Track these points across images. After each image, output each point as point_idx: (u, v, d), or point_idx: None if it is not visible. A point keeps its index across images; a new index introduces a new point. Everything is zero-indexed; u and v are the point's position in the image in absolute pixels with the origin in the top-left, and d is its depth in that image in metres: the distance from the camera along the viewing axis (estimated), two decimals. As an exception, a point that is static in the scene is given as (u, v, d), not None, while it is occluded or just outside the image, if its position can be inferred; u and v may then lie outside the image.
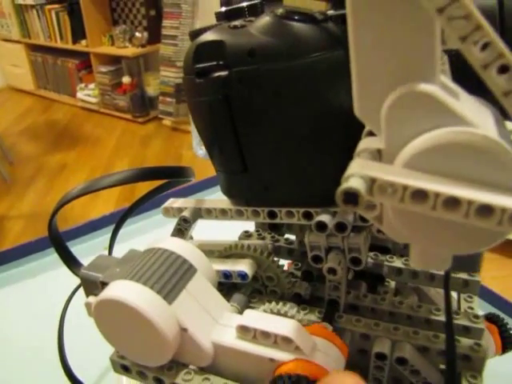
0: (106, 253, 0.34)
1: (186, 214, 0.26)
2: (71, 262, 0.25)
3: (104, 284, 0.22)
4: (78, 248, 0.55)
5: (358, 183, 0.13)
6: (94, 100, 2.50)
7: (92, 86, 2.51)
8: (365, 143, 0.17)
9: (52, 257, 0.53)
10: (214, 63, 0.21)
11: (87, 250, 0.54)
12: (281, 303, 0.22)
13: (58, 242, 0.25)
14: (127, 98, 2.36)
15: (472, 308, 0.25)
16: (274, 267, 0.25)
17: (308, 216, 0.23)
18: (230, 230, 0.32)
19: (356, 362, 0.24)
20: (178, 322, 0.20)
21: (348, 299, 0.25)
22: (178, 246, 0.22)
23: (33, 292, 0.49)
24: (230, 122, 0.22)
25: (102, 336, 0.21)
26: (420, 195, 0.13)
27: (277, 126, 0.21)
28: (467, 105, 0.15)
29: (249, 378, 0.20)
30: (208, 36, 0.22)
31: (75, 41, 2.48)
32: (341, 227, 0.21)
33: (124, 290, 0.19)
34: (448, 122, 0.14)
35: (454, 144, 0.14)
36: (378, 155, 0.16)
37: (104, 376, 0.36)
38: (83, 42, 2.43)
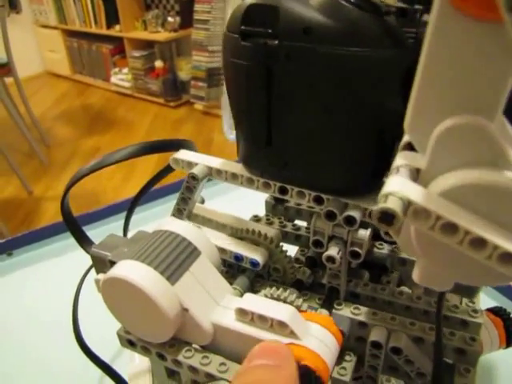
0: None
1: (195, 170, 0.26)
2: (83, 240, 0.27)
3: (112, 263, 0.23)
4: (102, 229, 0.57)
5: (396, 204, 0.14)
6: (127, 84, 2.55)
7: (125, 70, 2.55)
8: (405, 158, 0.17)
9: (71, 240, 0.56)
10: (263, 30, 0.20)
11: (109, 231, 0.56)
12: (282, 289, 0.22)
13: (70, 220, 0.26)
14: (159, 82, 2.40)
15: (473, 302, 0.25)
16: (282, 259, 0.25)
17: (318, 200, 0.23)
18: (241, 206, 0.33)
19: (354, 348, 0.24)
20: (180, 302, 0.21)
21: (349, 287, 0.25)
22: (183, 228, 0.23)
23: (59, 269, 0.52)
24: (266, 93, 0.21)
25: (110, 311, 0.22)
26: (450, 228, 0.14)
27: (313, 108, 0.21)
28: None
29: (245, 355, 0.21)
30: None
31: (109, 26, 2.52)
32: (350, 221, 0.22)
33: (130, 270, 0.21)
34: (496, 163, 0.14)
35: (496, 187, 0.14)
36: (416, 173, 0.16)
37: (121, 350, 0.38)
38: (117, 27, 2.48)
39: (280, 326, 0.20)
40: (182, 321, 0.21)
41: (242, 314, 0.21)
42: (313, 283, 0.26)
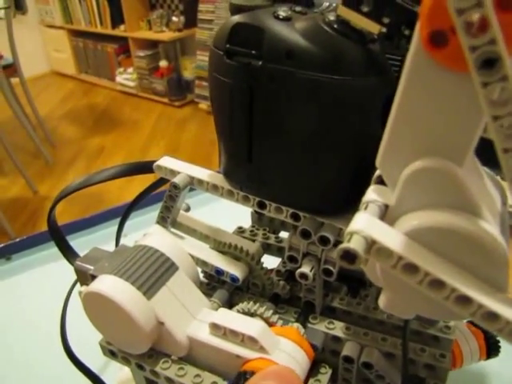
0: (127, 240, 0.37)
1: (177, 180, 0.26)
2: (68, 252, 0.27)
3: (93, 277, 0.24)
4: (99, 234, 0.58)
5: (359, 244, 0.14)
6: (132, 84, 2.57)
7: (130, 70, 2.57)
8: (374, 193, 0.17)
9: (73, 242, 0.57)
10: (248, 50, 0.21)
11: (107, 236, 0.57)
12: (258, 304, 0.23)
13: (56, 233, 0.27)
14: (164, 81, 2.41)
15: (449, 316, 0.26)
16: (262, 276, 0.26)
17: (295, 217, 0.24)
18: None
19: (329, 361, 0.25)
20: (156, 316, 0.22)
21: (326, 301, 0.26)
22: (162, 243, 0.24)
23: (57, 274, 0.53)
24: (248, 112, 0.22)
25: (91, 323, 0.23)
26: (412, 268, 0.14)
27: (291, 129, 0.21)
28: (482, 188, 0.16)
29: (219, 370, 0.22)
30: (249, 18, 0.21)
31: (114, 26, 2.54)
32: (324, 240, 0.22)
33: (108, 285, 0.21)
34: (462, 207, 0.15)
35: (459, 232, 0.14)
36: (384, 209, 0.17)
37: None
38: (122, 26, 2.49)
39: (250, 341, 0.21)
40: (158, 333, 0.22)
41: (215, 328, 0.22)
42: (291, 297, 0.27)
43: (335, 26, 0.20)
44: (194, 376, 0.22)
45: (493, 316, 0.13)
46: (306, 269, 0.23)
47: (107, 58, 2.67)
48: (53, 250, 0.56)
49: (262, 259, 0.28)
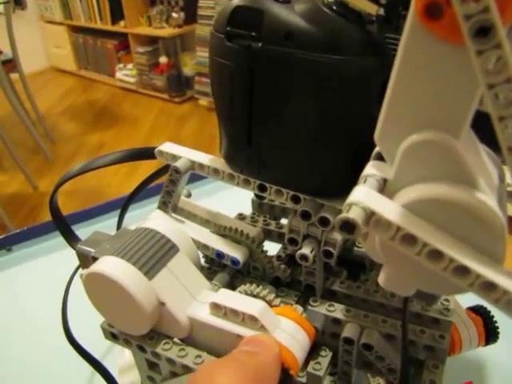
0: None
1: (178, 164, 0.26)
2: (70, 237, 0.28)
3: (95, 259, 0.24)
4: (99, 226, 0.58)
5: (357, 214, 0.14)
6: (132, 80, 2.56)
7: (130, 66, 2.57)
8: (373, 168, 0.17)
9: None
10: (247, 32, 0.21)
11: (107, 228, 0.57)
12: (259, 286, 0.23)
13: (58, 218, 0.27)
14: (164, 77, 2.40)
15: (448, 301, 0.26)
16: (262, 259, 0.26)
17: (296, 199, 0.24)
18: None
19: (330, 344, 0.25)
20: (157, 296, 0.22)
21: (326, 285, 0.26)
22: (164, 226, 0.24)
23: (58, 264, 0.53)
24: (248, 94, 0.22)
25: (93, 306, 0.23)
26: (410, 239, 0.14)
27: (291, 111, 0.22)
28: (479, 162, 0.16)
29: (221, 350, 0.22)
30: (249, 1, 0.21)
31: (114, 22, 2.53)
32: (324, 221, 0.22)
33: (109, 265, 0.21)
34: (460, 179, 0.15)
35: (458, 203, 0.14)
36: (383, 183, 0.17)
37: (111, 346, 0.39)
38: (122, 22, 2.49)
39: (251, 320, 0.21)
40: (159, 314, 0.22)
41: (215, 308, 0.22)
42: (291, 280, 0.27)
43: (334, 7, 0.20)
44: (194, 357, 0.22)
45: (490, 286, 0.14)
46: (306, 250, 0.23)
47: (107, 54, 2.67)
48: (53, 241, 0.57)
49: (264, 245, 0.28)
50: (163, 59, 2.41)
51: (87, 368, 0.31)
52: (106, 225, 0.58)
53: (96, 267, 0.22)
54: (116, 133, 2.16)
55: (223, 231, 0.27)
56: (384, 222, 0.14)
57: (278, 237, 0.31)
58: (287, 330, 0.21)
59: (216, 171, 0.26)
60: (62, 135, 2.17)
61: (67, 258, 0.50)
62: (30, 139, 1.92)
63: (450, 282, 0.14)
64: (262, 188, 0.25)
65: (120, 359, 0.35)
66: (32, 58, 2.73)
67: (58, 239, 0.57)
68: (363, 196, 0.15)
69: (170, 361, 0.22)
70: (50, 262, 0.54)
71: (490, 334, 0.32)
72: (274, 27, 0.20)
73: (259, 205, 0.33)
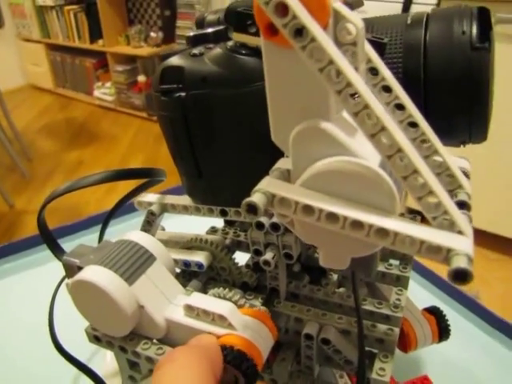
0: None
1: (153, 208, 0.31)
2: (57, 250, 0.30)
3: (80, 268, 0.26)
4: (80, 240, 0.60)
5: (258, 198, 0.18)
6: (110, 98, 2.58)
7: (108, 84, 2.58)
8: (279, 163, 0.21)
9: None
10: (175, 86, 0.25)
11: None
12: (227, 289, 0.26)
13: (45, 233, 0.30)
14: (142, 96, 2.43)
15: (399, 300, 0.29)
16: (226, 260, 0.29)
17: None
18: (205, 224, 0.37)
19: (293, 342, 0.28)
20: (137, 300, 0.24)
21: (289, 288, 0.29)
22: (141, 238, 0.27)
23: (38, 279, 0.54)
24: (187, 136, 0.26)
25: (78, 311, 0.26)
26: (308, 209, 0.18)
27: (222, 142, 0.26)
28: (358, 138, 0.19)
29: (194, 348, 0.25)
30: (172, 61, 0.26)
31: (92, 40, 2.56)
32: (275, 227, 0.26)
33: (93, 273, 0.24)
34: (339, 152, 0.18)
35: (340, 170, 0.18)
36: (287, 174, 0.20)
37: (93, 353, 0.41)
38: (100, 41, 2.51)
39: (220, 319, 0.23)
40: (139, 317, 0.25)
41: (189, 309, 0.24)
42: (258, 285, 0.30)
43: (235, 49, 0.25)
44: (171, 354, 0.25)
45: (383, 232, 0.16)
46: (268, 257, 0.26)
47: (85, 72, 2.68)
48: (31, 257, 0.58)
49: (236, 256, 0.31)
50: (141, 78, 2.44)
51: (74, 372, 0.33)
52: (89, 239, 0.60)
53: (81, 275, 0.24)
54: (94, 151, 2.17)
55: (189, 244, 0.31)
56: (284, 200, 0.18)
57: (246, 247, 0.34)
58: (252, 327, 0.24)
59: (185, 207, 0.30)
60: (39, 153, 2.16)
61: (47, 272, 0.52)
62: (6, 157, 1.91)
63: (357, 241, 0.17)
64: (223, 213, 0.29)
65: (102, 366, 0.37)
66: (9, 75, 2.73)
67: (38, 254, 0.59)
68: (265, 184, 0.18)
69: (149, 359, 0.25)
70: (30, 278, 0.55)
71: (443, 331, 0.35)
72: (192, 76, 0.25)
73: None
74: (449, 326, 0.36)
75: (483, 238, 1.43)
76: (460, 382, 0.41)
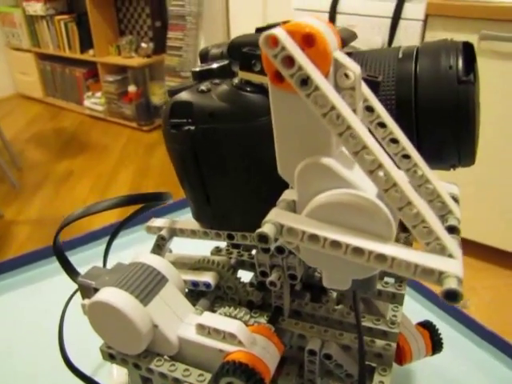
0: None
1: (163, 232, 0.32)
2: (71, 271, 0.31)
3: (96, 290, 0.28)
4: (80, 255, 0.61)
5: (269, 229, 0.20)
6: (100, 108, 2.58)
7: (99, 94, 2.58)
8: (285, 194, 0.23)
9: (54, 265, 0.60)
10: (184, 120, 0.27)
11: (89, 257, 0.60)
12: (234, 308, 0.28)
13: (61, 255, 0.31)
14: (133, 106, 2.44)
15: (396, 316, 0.31)
16: (232, 279, 0.31)
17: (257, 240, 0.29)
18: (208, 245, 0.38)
19: (296, 357, 0.30)
20: (151, 320, 0.26)
21: (293, 306, 0.31)
22: (153, 260, 0.28)
23: (38, 295, 0.55)
24: (196, 166, 0.28)
25: (94, 330, 0.27)
26: (314, 238, 0.19)
27: (230, 172, 0.28)
28: (356, 171, 0.21)
29: (206, 365, 0.26)
30: (181, 96, 0.28)
31: (83, 50, 2.56)
32: (280, 250, 0.27)
33: (111, 295, 0.25)
34: (340, 185, 0.20)
35: (341, 202, 0.19)
36: (293, 204, 0.22)
37: (99, 366, 0.42)
38: (91, 51, 2.52)
39: (230, 337, 0.25)
40: (153, 335, 0.26)
41: (201, 328, 0.26)
42: (263, 303, 0.31)
43: (241, 86, 0.27)
44: (183, 370, 0.26)
45: (381, 257, 0.18)
46: (274, 278, 0.28)
47: (75, 82, 2.68)
48: (35, 271, 0.59)
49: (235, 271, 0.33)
50: (132, 88, 2.45)
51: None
52: (89, 254, 0.61)
53: (99, 296, 0.25)
54: (84, 161, 2.16)
55: (196, 265, 0.33)
56: (292, 230, 0.20)
57: (250, 266, 0.35)
58: (260, 344, 0.26)
59: (193, 232, 0.32)
60: (28, 163, 2.15)
61: (55, 283, 0.53)
62: (-5, 167, 1.90)
63: (358, 266, 0.19)
64: (230, 237, 0.30)
65: (109, 382, 0.38)
66: (-3, 84, 2.71)
67: (47, 266, 0.60)
68: (273, 215, 0.20)
69: (162, 375, 0.26)
70: (38, 290, 0.56)
71: (436, 345, 0.37)
72: (200, 111, 0.27)
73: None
74: (441, 339, 0.38)
75: (472, 248, 1.47)
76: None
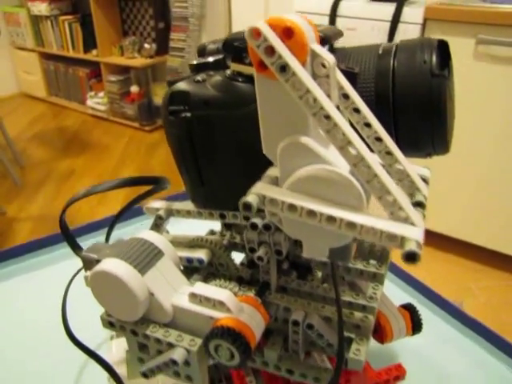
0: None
1: (161, 212, 0.35)
2: (75, 247, 0.34)
3: (98, 261, 0.30)
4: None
5: (252, 198, 0.22)
6: (103, 108, 2.61)
7: (101, 94, 2.62)
8: (269, 171, 0.25)
9: (58, 252, 0.63)
10: (181, 107, 0.30)
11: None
12: (225, 281, 0.30)
13: (66, 232, 0.34)
14: (135, 106, 2.47)
15: (375, 293, 0.33)
16: (224, 256, 0.33)
17: (247, 218, 0.31)
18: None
19: (282, 330, 0.32)
20: (148, 289, 0.28)
21: (279, 282, 0.33)
22: (151, 236, 0.31)
23: (42, 281, 0.58)
24: (191, 150, 0.31)
25: (95, 299, 0.30)
26: (292, 208, 0.22)
27: (222, 154, 0.30)
28: (334, 151, 0.23)
29: (197, 331, 0.29)
30: (179, 86, 0.31)
31: (86, 50, 2.60)
32: (267, 227, 0.30)
33: (111, 264, 0.28)
34: (317, 162, 0.22)
35: (317, 176, 0.22)
36: (276, 180, 0.24)
37: (99, 346, 0.45)
38: (94, 51, 2.55)
39: (220, 305, 0.28)
40: (149, 303, 0.29)
41: (193, 297, 0.28)
42: (252, 280, 0.34)
43: (233, 76, 0.29)
44: (177, 336, 0.29)
45: (351, 224, 0.21)
46: (261, 253, 0.30)
47: (78, 81, 2.72)
48: (37, 258, 0.62)
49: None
50: (134, 88, 2.48)
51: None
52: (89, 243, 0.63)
53: (101, 266, 0.28)
54: (86, 160, 2.19)
55: (191, 243, 0.35)
56: (273, 200, 0.22)
57: (242, 247, 0.38)
58: (247, 312, 0.28)
59: (188, 212, 0.34)
60: (31, 161, 2.18)
61: (59, 270, 0.56)
62: (-1, 164, 1.93)
63: (332, 233, 0.22)
64: (222, 216, 0.33)
65: (108, 356, 0.41)
66: (2, 83, 2.75)
67: (52, 253, 0.62)
68: (257, 187, 0.23)
69: (157, 340, 0.29)
70: (40, 276, 0.59)
71: (416, 325, 0.40)
72: (196, 100, 0.30)
73: (226, 223, 0.41)
74: (421, 320, 0.40)
75: (468, 250, 1.49)
76: (429, 369, 0.45)
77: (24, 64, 2.89)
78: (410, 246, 0.19)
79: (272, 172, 0.25)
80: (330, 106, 0.20)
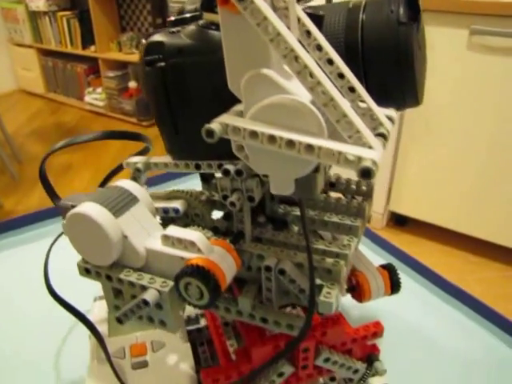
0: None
1: (139, 165, 0.36)
2: (54, 196, 0.35)
3: (74, 207, 0.31)
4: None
5: (215, 126, 0.23)
6: (101, 103, 2.62)
7: (99, 90, 2.63)
8: (235, 107, 0.26)
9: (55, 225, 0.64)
10: (157, 57, 0.31)
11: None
12: (200, 228, 0.31)
13: (45, 182, 0.34)
14: (133, 102, 2.48)
15: (349, 243, 0.34)
16: (199, 206, 0.34)
17: (221, 167, 0.32)
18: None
19: (256, 279, 0.33)
20: (122, 231, 0.29)
21: (254, 233, 0.34)
22: (128, 184, 0.31)
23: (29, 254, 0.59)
24: (167, 99, 0.31)
25: (71, 244, 0.30)
26: (254, 134, 0.23)
27: (195, 101, 0.31)
28: (297, 83, 0.24)
29: (169, 274, 0.29)
30: (154, 37, 0.31)
31: (84, 46, 2.60)
32: (239, 173, 0.30)
33: (85, 207, 0.28)
34: (279, 93, 0.23)
35: (279, 104, 0.23)
36: (241, 113, 0.25)
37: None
38: (92, 47, 2.56)
39: (191, 245, 0.28)
40: (123, 246, 0.29)
41: (165, 239, 0.29)
42: (227, 232, 0.34)
43: (205, 25, 0.30)
44: (149, 278, 0.29)
45: (310, 148, 0.21)
46: (234, 198, 0.31)
47: (76, 77, 2.73)
48: (22, 235, 0.63)
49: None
50: (132, 84, 2.49)
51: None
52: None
53: (76, 209, 0.29)
54: (84, 155, 2.20)
55: (168, 195, 0.36)
56: (235, 128, 0.23)
57: (221, 205, 0.38)
58: (218, 253, 0.29)
59: (165, 164, 0.35)
60: (29, 156, 2.19)
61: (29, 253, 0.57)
62: (-4, 158, 1.93)
63: (296, 161, 0.22)
64: (197, 167, 0.33)
65: (90, 316, 0.41)
66: (0, 79, 2.75)
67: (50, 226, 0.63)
68: (221, 117, 0.23)
69: (131, 283, 0.29)
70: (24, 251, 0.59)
71: (394, 285, 0.40)
72: (170, 49, 0.31)
73: (206, 184, 0.41)
74: (399, 279, 0.41)
75: (464, 242, 1.50)
76: (406, 327, 0.46)
77: (22, 60, 2.90)
78: (365, 163, 0.20)
79: (238, 107, 0.25)
80: (287, 33, 0.21)
